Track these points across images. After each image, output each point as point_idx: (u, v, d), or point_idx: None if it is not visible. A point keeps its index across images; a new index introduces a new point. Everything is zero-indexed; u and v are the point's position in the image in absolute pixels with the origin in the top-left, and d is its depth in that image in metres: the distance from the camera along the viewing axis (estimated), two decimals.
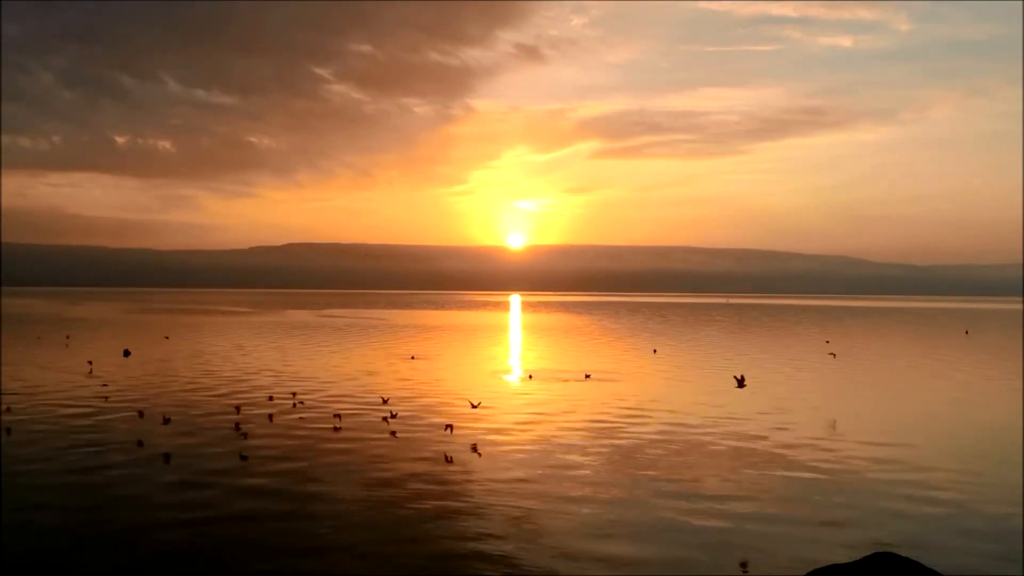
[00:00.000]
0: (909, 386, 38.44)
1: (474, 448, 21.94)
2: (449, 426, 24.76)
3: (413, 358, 49.33)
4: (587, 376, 39.41)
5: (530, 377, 39.57)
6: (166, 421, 25.21)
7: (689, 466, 20.21)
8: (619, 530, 14.96)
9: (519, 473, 19.28)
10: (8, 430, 24.36)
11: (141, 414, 27.04)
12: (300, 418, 26.80)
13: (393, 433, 24.11)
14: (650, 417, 27.48)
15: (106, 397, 30.91)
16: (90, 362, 43.30)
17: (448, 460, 20.21)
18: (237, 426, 24.71)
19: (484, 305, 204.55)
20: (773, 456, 21.48)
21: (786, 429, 25.48)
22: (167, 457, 20.79)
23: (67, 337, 63.85)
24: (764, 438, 23.99)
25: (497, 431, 24.63)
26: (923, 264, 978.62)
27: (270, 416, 26.88)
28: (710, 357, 52.77)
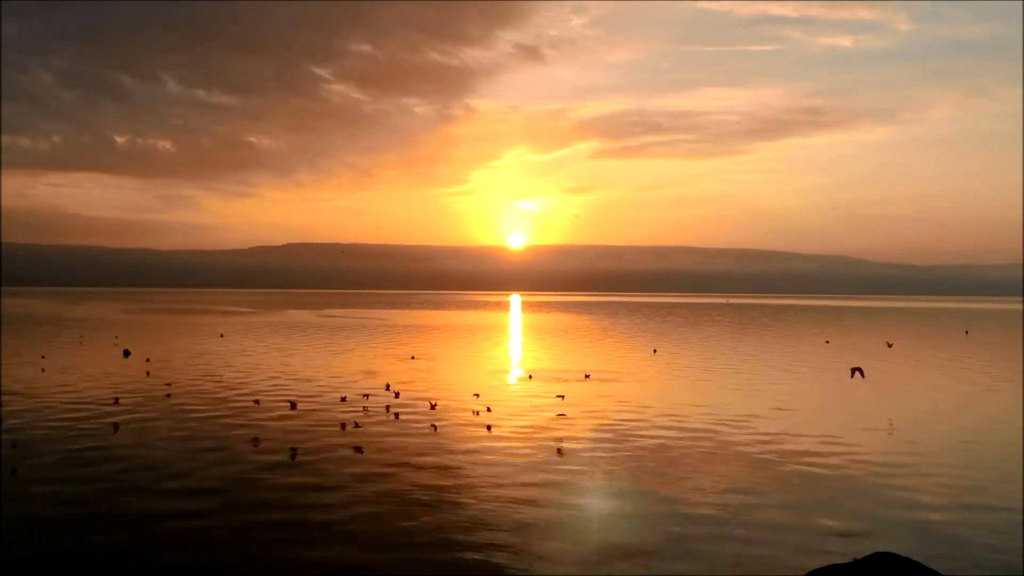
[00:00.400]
0: (909, 386, 38.41)
1: (559, 451, 21.91)
2: (560, 408, 27.50)
3: (413, 358, 49.34)
4: (587, 376, 39.41)
5: (530, 377, 39.56)
6: (293, 406, 28.04)
7: (688, 465, 20.21)
8: (620, 529, 14.99)
9: (519, 472, 19.32)
10: (116, 427, 25.24)
11: (258, 402, 29.88)
12: (396, 414, 27.36)
13: (488, 427, 25.20)
14: (650, 417, 27.47)
15: (169, 394, 31.65)
16: (148, 359, 45.76)
17: (560, 453, 21.32)
18: (345, 425, 25.15)
19: (484, 305, 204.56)
20: (773, 455, 21.47)
21: (786, 429, 25.46)
22: (294, 453, 21.50)
23: (116, 337, 65.83)
24: (764, 437, 23.98)
25: (498, 432, 24.67)
26: (923, 264, 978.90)
27: (364, 408, 28.18)
28: (711, 357, 52.76)
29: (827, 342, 67.66)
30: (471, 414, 27.55)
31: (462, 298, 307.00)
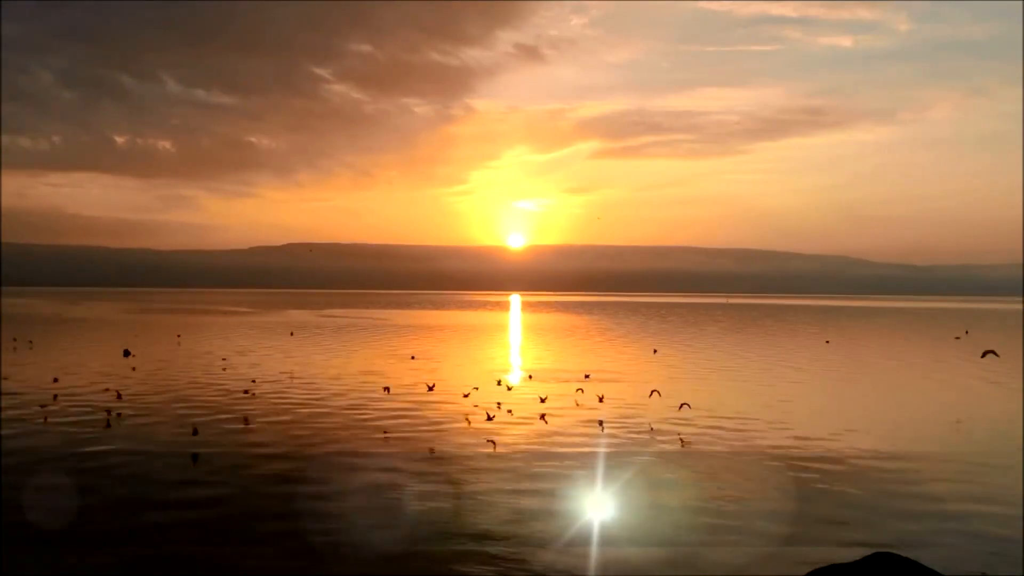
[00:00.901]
0: (908, 385, 38.43)
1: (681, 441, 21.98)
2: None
3: (413, 358, 49.32)
4: (587, 376, 39.43)
5: (530, 377, 39.59)
6: (428, 388, 32.35)
7: (687, 464, 20.25)
8: (619, 529, 15.05)
9: (520, 472, 19.36)
10: (245, 419, 26.46)
11: (388, 389, 33.19)
12: (509, 410, 28.48)
13: (543, 416, 26.98)
14: (649, 416, 27.49)
15: (248, 390, 33.20)
16: (224, 359, 46.88)
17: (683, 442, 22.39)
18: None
19: (484, 305, 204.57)
20: (772, 455, 21.52)
21: (786, 428, 25.55)
22: (432, 451, 22.09)
23: (178, 336, 68.78)
24: (762, 437, 24.04)
25: (497, 431, 24.71)
26: (923, 264, 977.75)
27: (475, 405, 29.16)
28: (711, 358, 52.78)
29: (827, 342, 67.70)
30: (575, 406, 29.37)
31: (462, 298, 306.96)
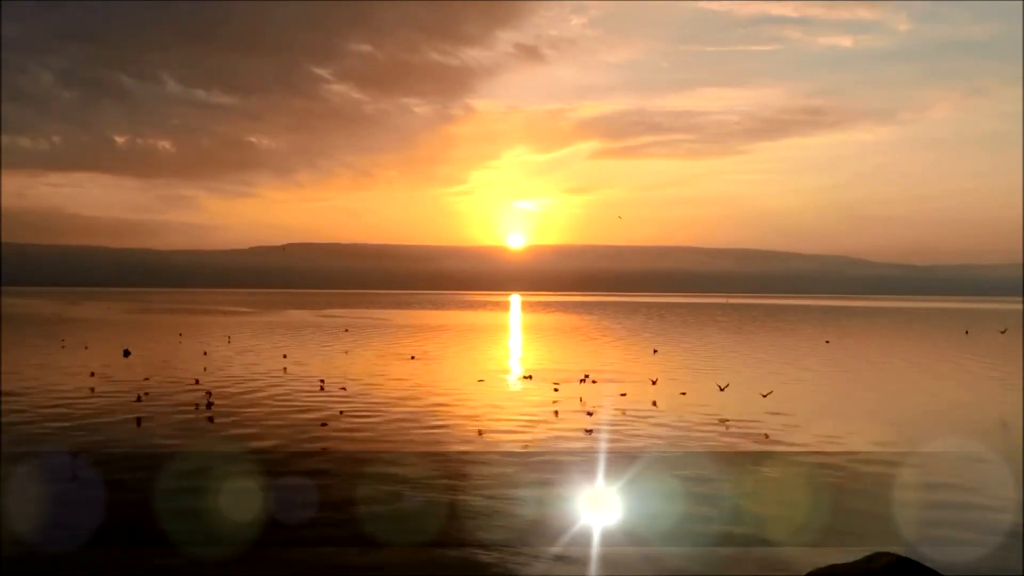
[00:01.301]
0: (908, 384, 38.43)
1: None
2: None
3: (413, 358, 49.36)
4: (586, 376, 39.42)
5: (529, 377, 39.58)
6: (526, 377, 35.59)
7: (684, 464, 20.22)
8: (618, 529, 15.03)
9: (519, 472, 19.33)
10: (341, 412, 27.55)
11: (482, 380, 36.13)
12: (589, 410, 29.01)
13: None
14: (648, 416, 27.50)
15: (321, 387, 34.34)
16: (284, 356, 49.35)
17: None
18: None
19: (484, 305, 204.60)
20: (769, 454, 21.51)
21: (785, 427, 25.52)
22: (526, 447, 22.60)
23: (228, 337, 68.87)
24: (759, 436, 24.03)
25: (495, 431, 24.71)
26: (923, 264, 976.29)
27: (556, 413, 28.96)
28: (711, 358, 52.79)
29: (827, 342, 67.72)
30: (651, 405, 30.17)
31: (462, 298, 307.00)
